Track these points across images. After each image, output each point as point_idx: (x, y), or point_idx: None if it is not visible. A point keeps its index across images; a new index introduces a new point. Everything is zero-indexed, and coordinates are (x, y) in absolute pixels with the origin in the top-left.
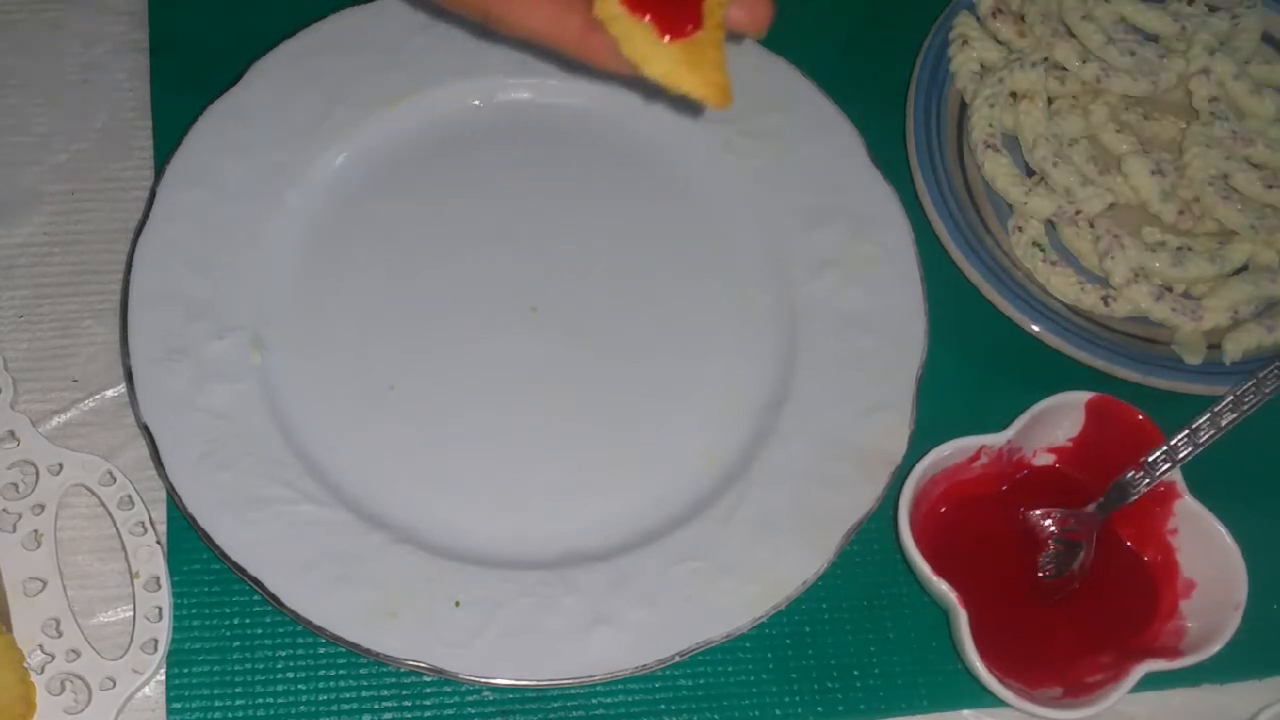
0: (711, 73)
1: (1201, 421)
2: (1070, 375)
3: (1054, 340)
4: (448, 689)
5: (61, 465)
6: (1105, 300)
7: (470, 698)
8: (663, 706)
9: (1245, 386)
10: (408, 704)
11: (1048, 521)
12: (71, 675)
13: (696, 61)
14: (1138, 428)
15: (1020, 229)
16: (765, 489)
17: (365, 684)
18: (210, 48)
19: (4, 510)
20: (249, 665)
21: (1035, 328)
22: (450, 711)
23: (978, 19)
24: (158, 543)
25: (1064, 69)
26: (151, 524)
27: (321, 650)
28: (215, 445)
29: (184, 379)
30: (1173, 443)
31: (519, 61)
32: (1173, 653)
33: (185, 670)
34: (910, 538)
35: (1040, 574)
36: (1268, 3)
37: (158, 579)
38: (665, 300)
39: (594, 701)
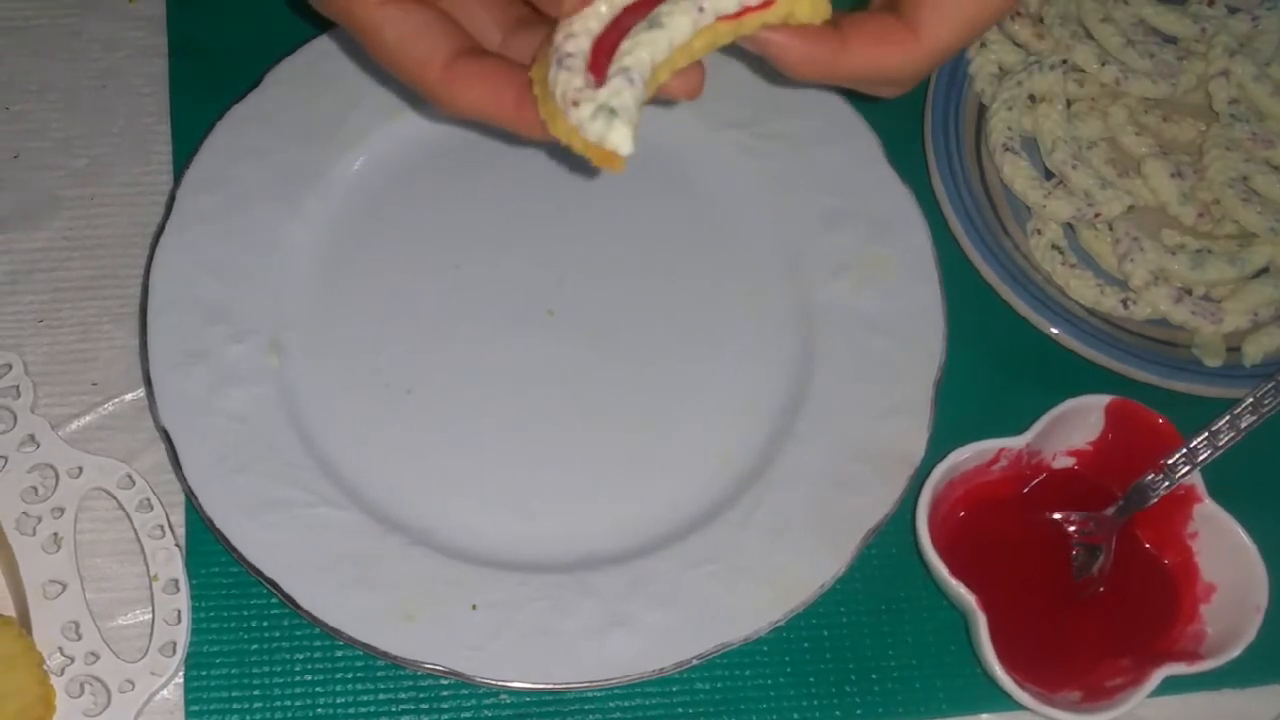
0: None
1: (1221, 424)
2: (1089, 378)
3: (1073, 343)
4: (464, 692)
5: (81, 468)
6: (1125, 303)
7: (487, 701)
8: (680, 711)
9: (1265, 389)
10: (424, 707)
11: (1067, 525)
12: (91, 677)
13: None
14: (1157, 431)
15: (1039, 231)
16: (783, 492)
17: (382, 688)
18: (228, 53)
19: (24, 513)
20: (267, 669)
21: (1054, 330)
22: (467, 715)
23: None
24: (176, 545)
25: (1083, 71)
26: (170, 527)
27: (339, 654)
28: (233, 448)
29: (202, 383)
30: (1192, 445)
31: None
32: (1193, 656)
33: (204, 673)
34: (929, 540)
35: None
36: None
37: (176, 582)
38: (682, 303)
39: (611, 705)
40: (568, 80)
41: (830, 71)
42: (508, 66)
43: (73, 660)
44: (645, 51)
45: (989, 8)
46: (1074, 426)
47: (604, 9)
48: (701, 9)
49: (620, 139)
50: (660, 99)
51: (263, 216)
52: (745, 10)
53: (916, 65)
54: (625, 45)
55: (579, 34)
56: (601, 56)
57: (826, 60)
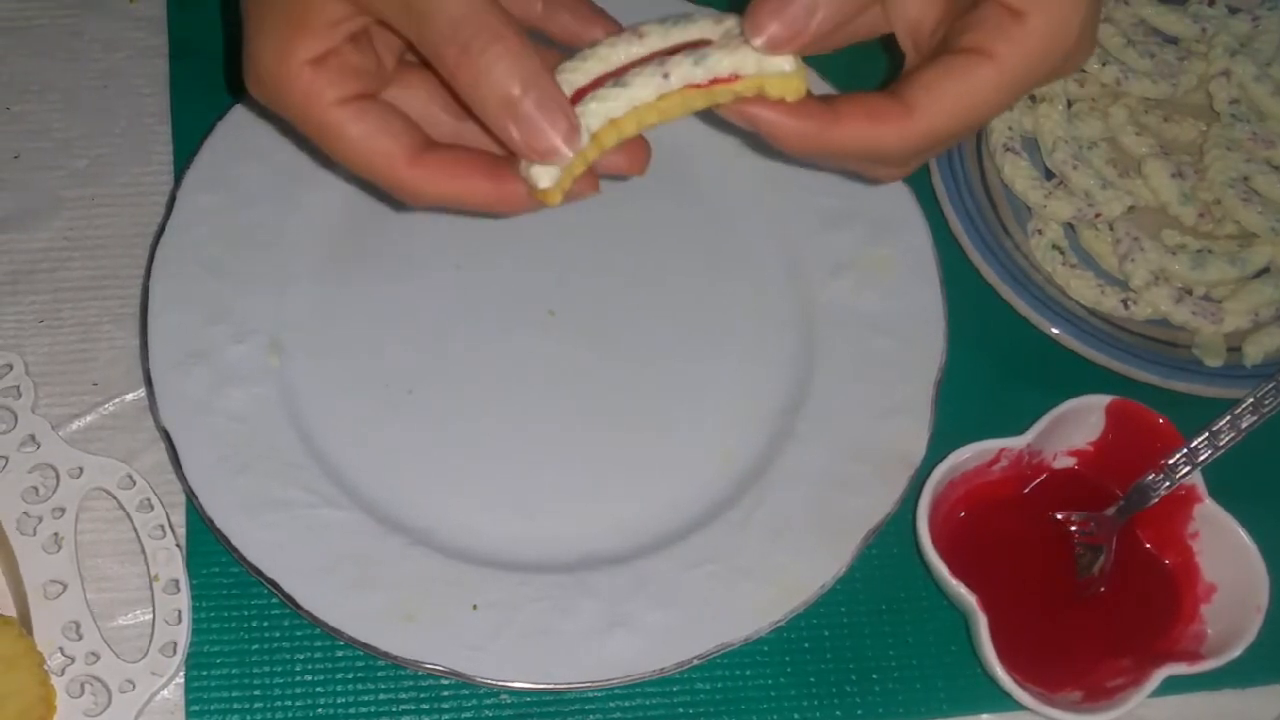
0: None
1: (1222, 424)
2: (1090, 378)
3: (1074, 343)
4: (465, 692)
5: (81, 469)
6: (1125, 303)
7: (488, 701)
8: (680, 711)
9: (1266, 389)
10: (425, 707)
11: (1068, 525)
12: (91, 677)
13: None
14: (1158, 431)
15: (1040, 231)
16: (783, 492)
17: (383, 688)
18: (229, 53)
19: (25, 514)
20: (268, 669)
21: (1055, 330)
22: (468, 715)
23: None
24: (177, 546)
25: (1083, 71)
26: (171, 527)
27: (339, 654)
28: (234, 448)
29: (203, 383)
30: (1193, 445)
31: None
32: (1193, 656)
33: (204, 673)
34: (929, 541)
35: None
36: None
37: (177, 582)
38: (683, 303)
39: (611, 705)
40: None
41: (821, 146)
42: (471, 152)
43: (73, 660)
44: (602, 106)
45: (986, 99)
46: (1075, 426)
47: (595, 66)
48: (667, 75)
49: (540, 175)
50: (606, 173)
51: (263, 216)
52: (714, 82)
53: (908, 144)
54: (587, 96)
55: (562, 84)
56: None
57: (817, 134)
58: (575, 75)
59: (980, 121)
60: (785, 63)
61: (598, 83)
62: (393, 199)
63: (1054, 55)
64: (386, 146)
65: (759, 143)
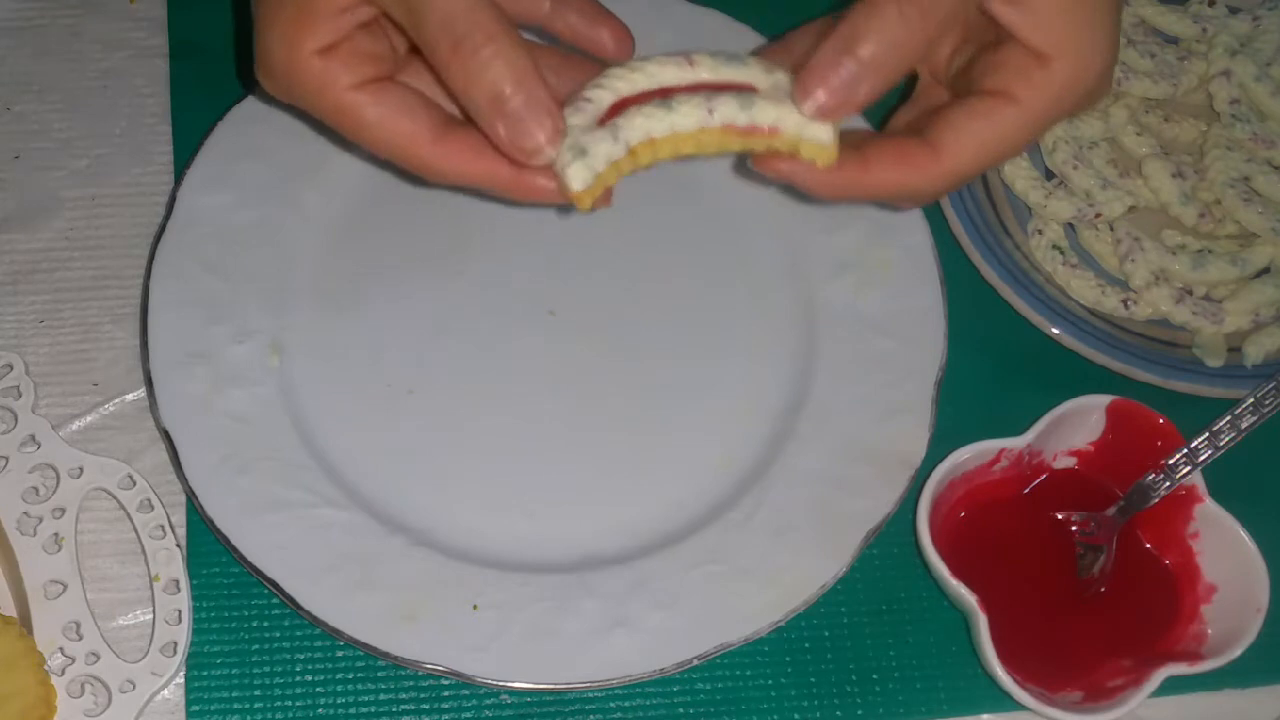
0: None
1: (1222, 424)
2: (1090, 378)
3: (1074, 343)
4: (465, 693)
5: (82, 469)
6: (1126, 303)
7: (488, 701)
8: (680, 711)
9: (1266, 389)
10: (425, 708)
11: (1068, 525)
12: (91, 678)
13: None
14: (1158, 431)
15: (1040, 232)
16: (784, 492)
17: (384, 688)
18: (229, 53)
19: (25, 514)
20: (268, 669)
21: (1055, 330)
22: (468, 715)
23: None
24: (177, 546)
25: None
26: (171, 527)
27: (340, 654)
28: (235, 449)
29: (204, 383)
30: (1193, 445)
31: None
32: (1194, 657)
33: (204, 673)
34: (929, 541)
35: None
36: None
37: (177, 582)
38: (684, 304)
39: (612, 705)
40: (567, 115)
41: (853, 193)
42: None
43: (74, 660)
44: (643, 120)
45: (1010, 139)
46: (1075, 427)
47: (641, 80)
48: (711, 111)
49: (574, 175)
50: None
51: (263, 216)
52: (754, 129)
53: (935, 185)
54: (632, 109)
55: (605, 89)
56: (614, 113)
57: (849, 183)
58: (620, 84)
59: (1003, 159)
60: (825, 133)
61: (642, 97)
62: (415, 178)
63: (1075, 96)
64: (407, 126)
65: (790, 189)
